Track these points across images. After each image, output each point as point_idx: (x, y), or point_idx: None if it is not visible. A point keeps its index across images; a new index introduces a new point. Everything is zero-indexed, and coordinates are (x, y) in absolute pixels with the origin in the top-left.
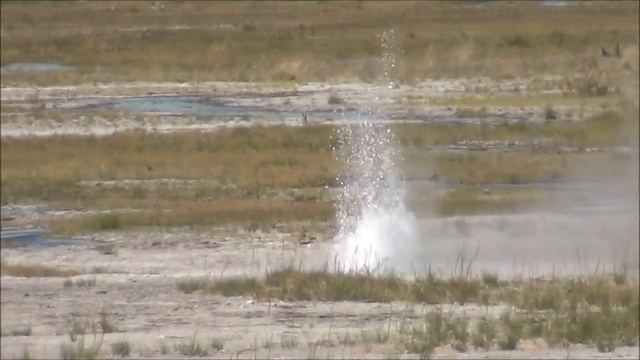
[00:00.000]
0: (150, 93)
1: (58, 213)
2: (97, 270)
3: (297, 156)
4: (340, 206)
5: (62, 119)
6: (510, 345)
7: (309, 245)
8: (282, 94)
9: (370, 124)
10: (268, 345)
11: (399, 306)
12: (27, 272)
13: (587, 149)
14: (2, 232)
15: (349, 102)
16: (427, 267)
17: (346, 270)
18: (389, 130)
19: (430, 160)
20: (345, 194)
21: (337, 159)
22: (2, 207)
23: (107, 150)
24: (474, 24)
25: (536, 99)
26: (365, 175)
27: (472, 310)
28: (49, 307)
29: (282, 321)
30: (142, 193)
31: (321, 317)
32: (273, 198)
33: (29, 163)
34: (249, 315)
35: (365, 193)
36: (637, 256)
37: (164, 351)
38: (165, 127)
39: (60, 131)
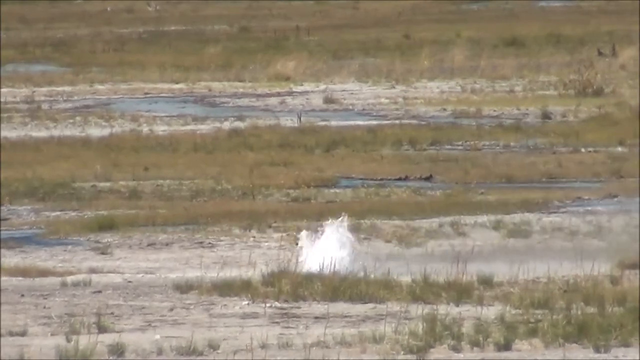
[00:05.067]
0: (146, 94)
1: (54, 214)
2: (93, 271)
3: (293, 157)
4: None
5: (58, 120)
6: (505, 345)
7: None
8: (278, 95)
9: None
10: (264, 346)
11: (394, 307)
12: (23, 272)
13: (583, 150)
14: None
15: (345, 102)
16: (422, 268)
17: (341, 271)
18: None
19: (425, 161)
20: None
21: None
22: None
23: (103, 151)
24: (470, 25)
25: (532, 99)
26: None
27: (467, 311)
28: (44, 307)
29: (278, 322)
30: (138, 194)
31: (317, 318)
32: (268, 199)
33: (25, 164)
34: (244, 316)
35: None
36: (632, 257)
37: (160, 352)
38: (161, 128)
39: (56, 132)
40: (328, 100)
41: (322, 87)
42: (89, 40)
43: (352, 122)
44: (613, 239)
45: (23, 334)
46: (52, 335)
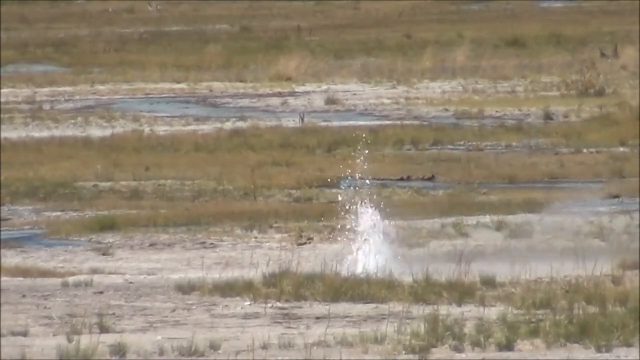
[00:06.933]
0: (147, 94)
1: (55, 214)
2: (94, 271)
3: (294, 157)
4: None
5: (59, 120)
6: (507, 346)
7: (306, 245)
8: (279, 95)
9: None
10: (265, 346)
11: (396, 307)
12: (24, 273)
13: (585, 150)
14: None
15: (346, 103)
16: (424, 268)
17: (343, 271)
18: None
19: (427, 161)
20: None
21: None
22: (0, 208)
23: (104, 151)
24: (471, 25)
25: (533, 100)
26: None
27: (469, 311)
28: (45, 308)
29: (279, 322)
30: (139, 194)
31: (318, 318)
32: (270, 199)
33: (26, 164)
34: (246, 317)
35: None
36: (634, 257)
37: (161, 352)
38: (162, 128)
39: (57, 132)
40: (330, 100)
41: (324, 87)
42: (90, 41)
43: (353, 123)
44: (614, 239)
45: (24, 334)
46: (53, 335)
